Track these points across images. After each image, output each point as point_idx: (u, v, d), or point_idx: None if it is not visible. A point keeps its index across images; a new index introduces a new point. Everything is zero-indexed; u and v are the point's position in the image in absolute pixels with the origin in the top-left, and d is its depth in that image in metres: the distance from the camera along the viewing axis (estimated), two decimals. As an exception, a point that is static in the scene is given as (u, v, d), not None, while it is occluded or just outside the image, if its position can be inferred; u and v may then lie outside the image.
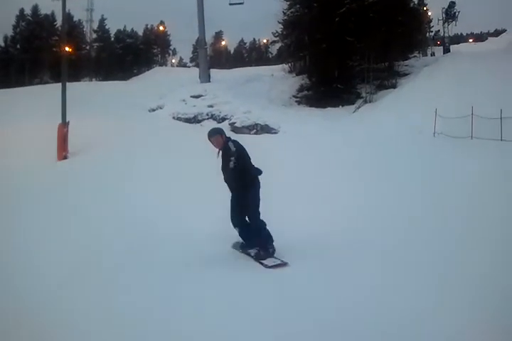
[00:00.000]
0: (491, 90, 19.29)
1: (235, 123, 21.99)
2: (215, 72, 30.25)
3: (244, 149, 6.37)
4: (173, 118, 23.56)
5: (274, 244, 6.27)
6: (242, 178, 6.19)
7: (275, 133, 20.64)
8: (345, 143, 16.08)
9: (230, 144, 6.23)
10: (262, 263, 5.94)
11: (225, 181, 6.34)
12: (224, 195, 6.38)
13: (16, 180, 11.50)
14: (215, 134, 6.41)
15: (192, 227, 7.31)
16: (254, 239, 6.29)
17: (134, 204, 9.00)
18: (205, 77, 28.43)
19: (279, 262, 5.93)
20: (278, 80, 29.76)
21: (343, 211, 8.07)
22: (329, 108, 24.80)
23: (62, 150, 15.90)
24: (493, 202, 8.32)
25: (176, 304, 4.68)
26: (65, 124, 16.54)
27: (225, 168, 6.25)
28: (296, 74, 30.29)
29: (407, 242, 6.52)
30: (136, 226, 7.51)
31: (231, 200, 6.40)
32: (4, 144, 16.02)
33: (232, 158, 6.07)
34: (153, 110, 24.66)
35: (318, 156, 13.08)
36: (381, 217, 7.77)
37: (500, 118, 15.99)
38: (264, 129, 21.12)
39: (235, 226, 6.36)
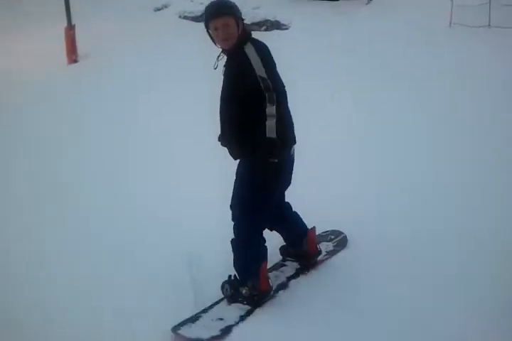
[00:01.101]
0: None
1: (244, 19, 21.17)
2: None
3: (275, 66, 3.26)
4: (180, 17, 22.68)
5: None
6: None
7: (286, 29, 19.90)
8: (360, 37, 15.54)
9: (250, 49, 3.20)
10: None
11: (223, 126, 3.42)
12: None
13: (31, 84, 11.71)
14: (223, 13, 3.27)
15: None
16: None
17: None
18: (209, -28, 26.92)
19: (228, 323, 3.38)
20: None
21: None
22: (341, 1, 23.60)
23: (72, 53, 15.81)
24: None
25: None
26: (71, 26, 16.24)
27: (228, 96, 3.31)
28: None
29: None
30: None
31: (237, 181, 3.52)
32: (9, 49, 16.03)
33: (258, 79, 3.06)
34: (159, 9, 23.73)
35: (336, 51, 12.76)
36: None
37: (522, 4, 15.24)
38: (275, 25, 20.33)
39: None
